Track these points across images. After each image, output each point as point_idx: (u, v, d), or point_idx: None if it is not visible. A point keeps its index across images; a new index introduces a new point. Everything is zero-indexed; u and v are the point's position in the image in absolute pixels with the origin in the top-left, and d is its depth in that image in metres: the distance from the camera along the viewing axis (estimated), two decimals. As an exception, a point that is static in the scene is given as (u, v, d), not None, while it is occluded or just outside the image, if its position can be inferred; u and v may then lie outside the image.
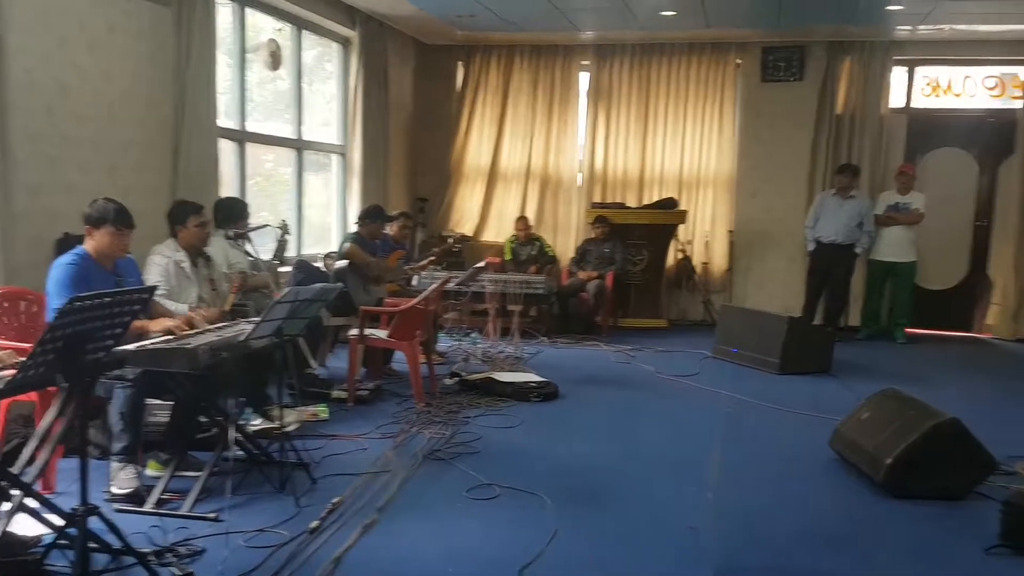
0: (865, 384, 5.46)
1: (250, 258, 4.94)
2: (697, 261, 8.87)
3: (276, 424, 4.09)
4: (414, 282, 6.65)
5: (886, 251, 7.95)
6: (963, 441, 3.88)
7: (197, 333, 3.78)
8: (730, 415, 5.33)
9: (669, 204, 8.50)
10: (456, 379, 5.72)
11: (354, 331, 5.30)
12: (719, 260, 8.91)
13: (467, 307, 7.35)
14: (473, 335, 7.23)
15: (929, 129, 8.54)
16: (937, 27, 7.79)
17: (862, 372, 6.53)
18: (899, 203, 7.92)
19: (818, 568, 3.20)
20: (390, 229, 6.68)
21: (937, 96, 8.63)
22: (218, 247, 4.80)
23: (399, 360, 5.89)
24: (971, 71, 8.51)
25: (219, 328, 3.93)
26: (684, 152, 8.90)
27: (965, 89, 8.55)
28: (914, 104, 8.64)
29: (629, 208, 8.64)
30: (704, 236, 8.88)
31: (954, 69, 8.55)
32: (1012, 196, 8.20)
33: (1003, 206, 8.33)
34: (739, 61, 8.74)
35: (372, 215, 6.31)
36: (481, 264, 6.69)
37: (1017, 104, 8.26)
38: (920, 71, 8.61)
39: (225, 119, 6.12)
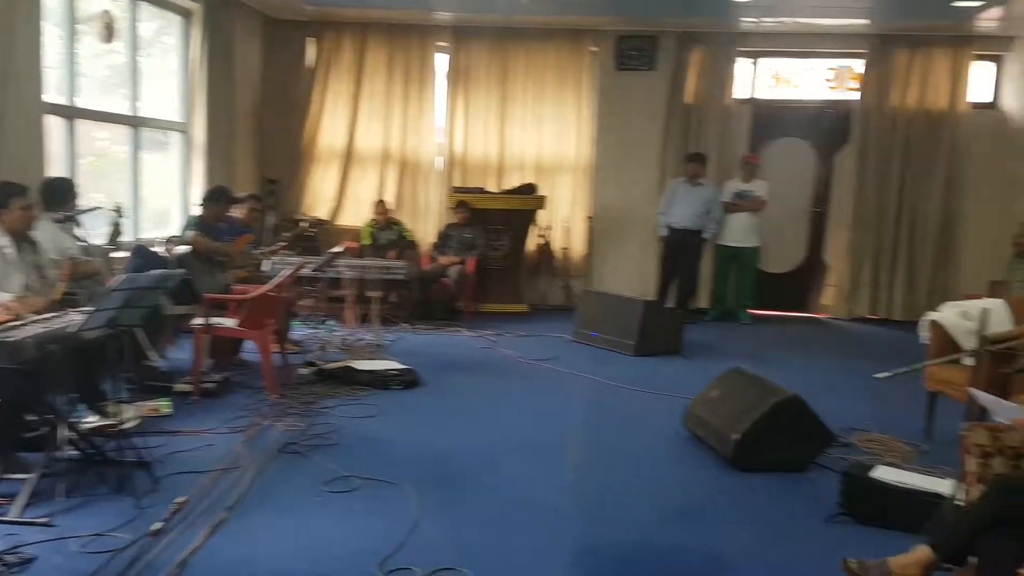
0: (714, 363, 5.67)
1: (81, 243, 4.56)
2: (557, 246, 8.97)
3: (113, 421, 3.80)
4: (266, 268, 6.37)
5: (731, 236, 8.29)
6: (803, 416, 4.08)
7: (22, 324, 3.47)
8: (589, 397, 5.40)
9: (529, 190, 8.54)
10: (312, 368, 5.52)
11: (199, 320, 5.00)
12: (578, 245, 9.03)
13: (323, 293, 7.14)
14: (330, 322, 7.02)
15: (772, 119, 8.96)
16: (779, 20, 8.17)
17: (710, 352, 6.79)
18: (744, 190, 8.28)
19: (672, 542, 3.29)
20: (238, 212, 6.36)
21: (779, 87, 9.07)
22: (45, 231, 4.39)
23: (250, 350, 5.62)
24: (810, 63, 8.99)
25: (47, 319, 3.61)
26: (543, 138, 8.94)
27: (805, 81, 9.03)
28: (758, 95, 9.03)
29: (490, 193, 8.62)
30: (563, 222, 8.98)
31: (795, 61, 9.00)
32: (846, 184, 8.73)
33: (838, 193, 8.86)
34: (594, 49, 8.87)
35: (216, 197, 6.00)
36: (338, 249, 6.49)
37: (852, 95, 8.79)
38: (763, 63, 9.01)
39: (54, 95, 5.63)
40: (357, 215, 8.89)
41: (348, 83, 8.91)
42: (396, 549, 3.06)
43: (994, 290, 6.61)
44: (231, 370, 5.43)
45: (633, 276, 8.79)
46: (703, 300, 8.63)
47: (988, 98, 8.63)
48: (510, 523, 3.37)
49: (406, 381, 5.38)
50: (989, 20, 7.84)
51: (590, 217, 8.96)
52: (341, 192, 9.02)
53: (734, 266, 8.44)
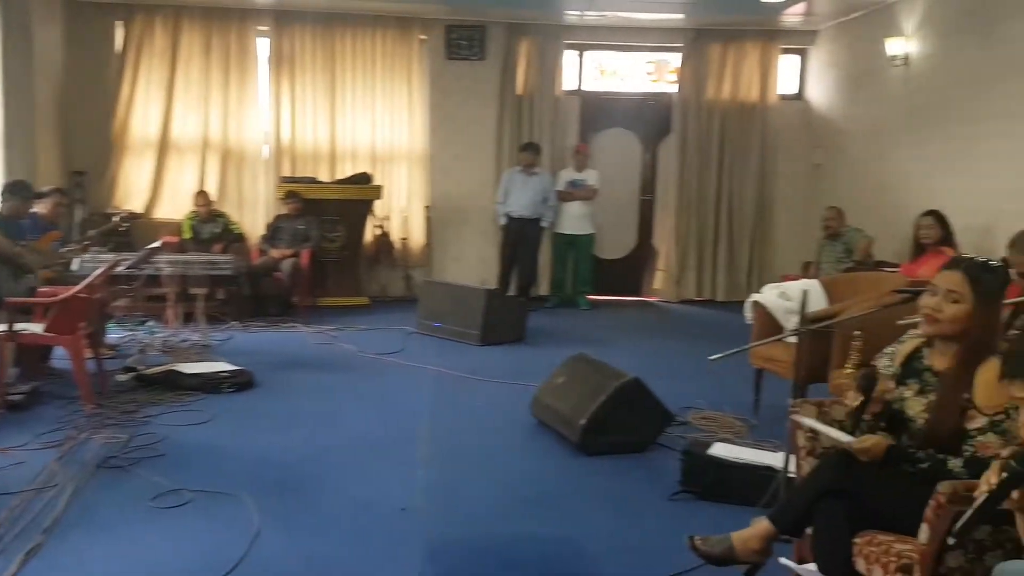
0: (557, 350, 5.74)
1: None
2: (396, 237, 8.80)
3: None
4: (75, 267, 5.83)
5: (567, 224, 8.46)
6: (644, 398, 4.20)
7: None
8: (436, 389, 5.32)
9: (363, 179, 8.32)
10: (131, 374, 5.12)
11: (1, 326, 4.50)
12: (417, 235, 8.91)
13: (141, 292, 6.63)
14: (150, 323, 6.54)
15: (599, 110, 9.20)
16: (602, 13, 8.39)
17: (553, 339, 6.88)
18: (576, 180, 8.46)
19: (524, 531, 3.27)
20: (41, 207, 5.80)
21: (605, 79, 9.32)
22: None
23: (60, 357, 5.12)
24: (632, 56, 9.29)
25: None
26: (376, 126, 8.74)
27: (628, 73, 9.32)
28: (585, 87, 9.23)
29: (322, 183, 8.33)
30: (401, 211, 8.83)
31: (618, 54, 9.27)
32: (670, 172, 9.10)
33: (663, 181, 9.22)
34: (423, 37, 8.75)
35: (16, 191, 5.46)
36: (156, 244, 6.04)
37: (671, 88, 9.16)
38: (589, 55, 9.22)
39: None
40: (176, 207, 8.34)
41: (162, 69, 8.34)
42: (236, 564, 2.86)
43: (807, 270, 7.10)
44: (40, 380, 4.92)
45: (474, 265, 8.79)
46: (543, 287, 8.76)
47: (794, 90, 9.25)
48: (359, 527, 3.25)
49: (239, 383, 5.09)
50: (794, 15, 8.41)
51: (428, 207, 8.86)
52: (157, 183, 8.44)
53: (571, 253, 8.61)
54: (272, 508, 3.34)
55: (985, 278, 2.35)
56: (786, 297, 4.78)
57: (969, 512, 1.53)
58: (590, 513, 3.46)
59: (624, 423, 4.12)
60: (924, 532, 2.04)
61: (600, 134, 9.19)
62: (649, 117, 9.22)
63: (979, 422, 2.24)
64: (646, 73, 9.34)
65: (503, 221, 8.32)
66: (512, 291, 8.27)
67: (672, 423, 4.31)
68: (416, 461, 3.99)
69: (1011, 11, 5.93)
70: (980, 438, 2.23)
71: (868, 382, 2.44)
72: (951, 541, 1.59)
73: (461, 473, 3.88)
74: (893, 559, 2.14)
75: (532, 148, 8.30)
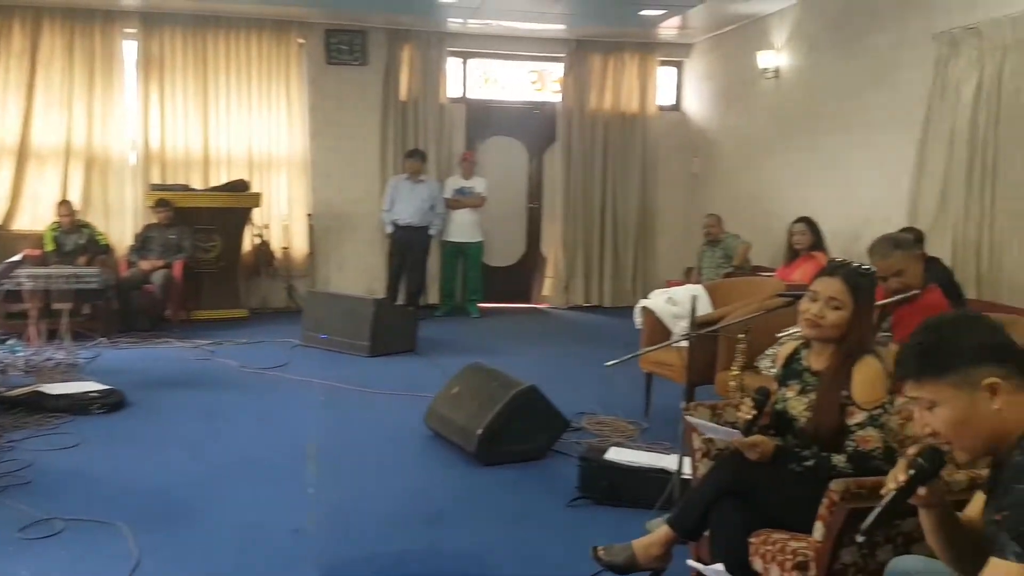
0: (450, 359, 5.68)
1: None
2: (276, 246, 8.51)
3: None
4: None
5: (455, 232, 8.41)
6: (540, 405, 4.19)
7: None
8: (325, 403, 5.16)
9: (240, 186, 8.00)
10: (-10, 398, 4.73)
11: None
12: (300, 244, 8.64)
13: (1, 309, 6.16)
14: (11, 342, 6.06)
15: (484, 118, 9.20)
16: (484, 22, 8.40)
17: (445, 348, 6.80)
18: (464, 187, 8.43)
19: (422, 546, 3.19)
20: None
21: (489, 87, 9.34)
22: None
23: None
24: (516, 65, 9.35)
25: None
26: (253, 132, 8.43)
27: (512, 82, 9.38)
28: (470, 94, 9.22)
29: (195, 190, 7.97)
30: (282, 219, 8.55)
31: (502, 62, 9.31)
32: (556, 181, 9.18)
33: (550, 190, 9.30)
34: (302, 41, 8.52)
35: None
36: (16, 258, 5.62)
37: (556, 98, 9.27)
38: (473, 63, 9.22)
39: None
40: (37, 218, 7.80)
41: (19, 71, 7.80)
42: (115, 599, 2.67)
43: (689, 276, 7.31)
44: None
45: (360, 274, 8.61)
46: (433, 296, 8.67)
47: (672, 101, 9.53)
48: (248, 551, 3.08)
49: (109, 404, 4.78)
50: (670, 28, 8.65)
51: (311, 214, 8.62)
52: (16, 193, 7.87)
53: (460, 261, 8.58)
54: (152, 536, 3.14)
55: (862, 284, 2.46)
56: (673, 302, 4.89)
57: (877, 509, 1.57)
58: (490, 524, 3.41)
59: (521, 431, 4.10)
60: (819, 530, 2.10)
61: (486, 142, 9.19)
62: (534, 126, 9.29)
63: (858, 417, 2.34)
64: (530, 82, 9.42)
65: (390, 229, 8.19)
66: (401, 300, 8.14)
67: (568, 429, 4.31)
68: (306, 479, 3.84)
69: (873, 25, 6.29)
70: (860, 432, 2.33)
71: (763, 397, 2.50)
72: (860, 539, 1.63)
73: (354, 490, 3.75)
74: (789, 557, 2.19)
75: (418, 155, 8.21)
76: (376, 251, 8.63)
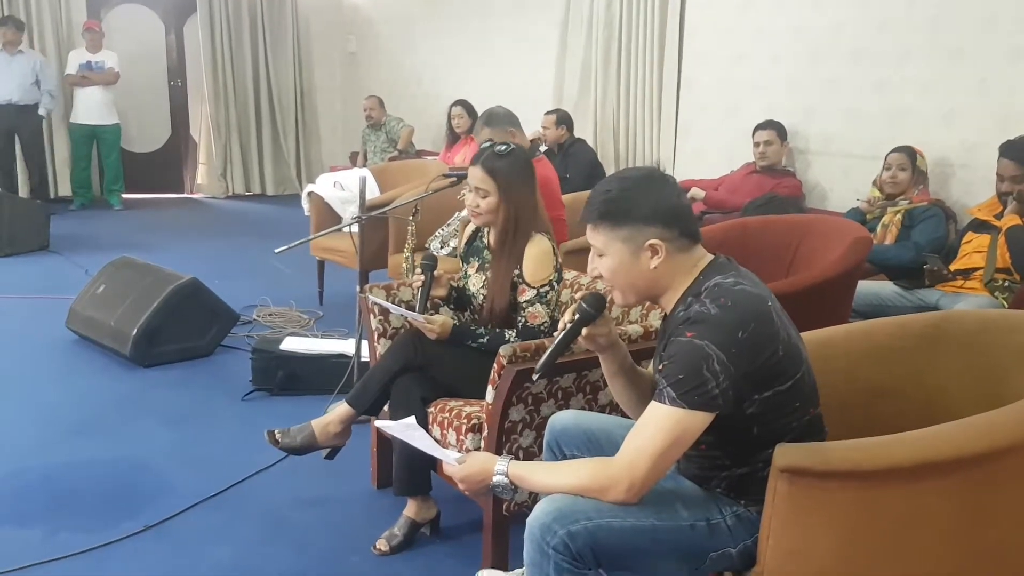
0: (92, 257, 5.13)
1: None
2: None
3: None
4: None
5: (86, 114, 7.45)
6: (204, 299, 3.95)
7: None
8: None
9: None
10: None
11: None
12: None
13: None
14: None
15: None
16: None
17: (85, 244, 6.12)
18: (91, 62, 7.42)
19: (78, 458, 2.92)
20: None
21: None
22: None
23: None
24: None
25: None
26: None
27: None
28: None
29: None
30: None
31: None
32: (200, 56, 8.39)
33: (193, 66, 8.51)
34: None
35: None
36: None
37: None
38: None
39: None
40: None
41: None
42: None
43: (354, 161, 7.22)
44: None
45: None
46: (64, 187, 7.68)
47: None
48: None
49: None
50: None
51: None
52: None
53: (95, 147, 7.64)
54: None
55: (499, 166, 2.48)
56: (340, 187, 4.81)
57: (550, 349, 1.71)
58: (152, 428, 3.19)
59: (183, 329, 3.85)
60: (490, 393, 2.24)
61: (112, 11, 8.13)
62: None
63: (528, 295, 2.49)
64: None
65: (-14, 108, 7.01)
66: (25, 194, 7.09)
67: (237, 323, 4.13)
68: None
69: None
70: (530, 309, 2.48)
71: (430, 261, 2.57)
72: (535, 377, 1.78)
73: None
74: (464, 421, 2.33)
75: (11, 23, 7.05)
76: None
